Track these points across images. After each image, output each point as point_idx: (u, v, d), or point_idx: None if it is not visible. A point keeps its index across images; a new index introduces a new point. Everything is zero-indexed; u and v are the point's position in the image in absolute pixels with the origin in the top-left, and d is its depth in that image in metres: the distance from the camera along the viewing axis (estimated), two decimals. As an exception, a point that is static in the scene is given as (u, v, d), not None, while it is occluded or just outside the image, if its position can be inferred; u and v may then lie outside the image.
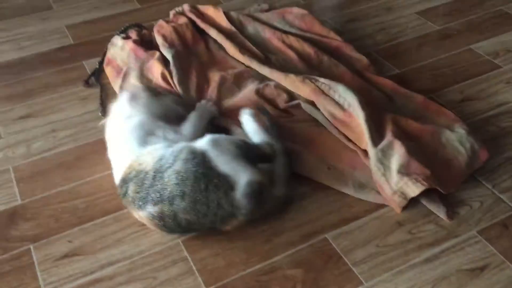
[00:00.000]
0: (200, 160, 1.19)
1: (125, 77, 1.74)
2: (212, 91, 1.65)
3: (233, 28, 1.90)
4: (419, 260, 1.22)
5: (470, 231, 1.28)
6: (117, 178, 1.29)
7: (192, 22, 1.94)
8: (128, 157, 1.27)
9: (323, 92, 1.56)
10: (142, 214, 1.22)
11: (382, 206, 1.34)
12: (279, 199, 1.30)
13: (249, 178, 1.19)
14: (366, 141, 1.42)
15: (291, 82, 1.62)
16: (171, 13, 2.03)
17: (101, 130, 1.47)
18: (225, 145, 1.24)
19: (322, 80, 1.58)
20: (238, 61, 1.78)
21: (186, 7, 2.01)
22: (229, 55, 1.81)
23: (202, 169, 1.18)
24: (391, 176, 1.31)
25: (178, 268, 1.22)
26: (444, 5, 2.18)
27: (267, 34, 1.90)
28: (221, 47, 1.85)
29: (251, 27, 1.93)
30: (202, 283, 1.19)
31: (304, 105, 1.58)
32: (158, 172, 1.20)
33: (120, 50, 1.85)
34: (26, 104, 1.74)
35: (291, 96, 1.63)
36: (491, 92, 1.70)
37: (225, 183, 1.18)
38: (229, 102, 1.63)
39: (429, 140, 1.44)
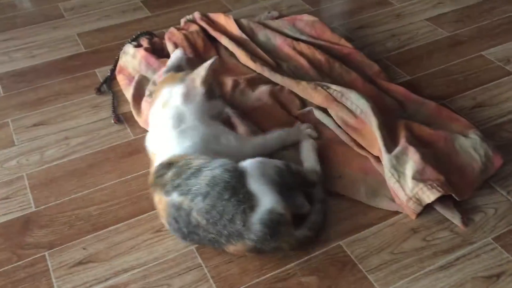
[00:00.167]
0: (237, 175, 1.19)
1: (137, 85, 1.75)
2: (225, 94, 1.66)
3: (244, 36, 1.91)
4: (434, 267, 1.21)
5: (485, 238, 1.27)
6: (161, 159, 1.30)
7: (203, 30, 1.95)
8: (181, 148, 1.29)
9: (335, 99, 1.56)
10: (165, 199, 1.22)
11: (396, 212, 1.34)
12: (297, 242, 1.22)
13: (273, 206, 1.17)
14: (378, 147, 1.41)
15: (303, 89, 1.62)
16: (182, 21, 2.04)
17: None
18: (266, 168, 1.24)
19: (334, 87, 1.58)
20: (249, 68, 1.78)
21: (197, 15, 2.02)
22: (241, 62, 1.82)
23: (234, 182, 1.18)
24: (406, 182, 1.31)
25: (192, 275, 1.22)
26: (454, 12, 2.19)
27: (278, 41, 1.90)
28: (232, 54, 1.86)
29: (262, 34, 1.94)
30: (217, 290, 1.19)
31: (316, 112, 1.58)
32: (199, 170, 1.21)
33: (132, 58, 1.86)
34: (39, 111, 1.75)
35: (304, 103, 1.63)
36: (503, 98, 1.70)
37: (248, 202, 1.16)
38: (242, 103, 1.63)
39: (442, 146, 1.43)
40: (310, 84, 1.61)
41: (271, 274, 1.21)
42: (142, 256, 1.27)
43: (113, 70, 1.89)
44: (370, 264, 1.22)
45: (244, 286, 1.19)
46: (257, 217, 1.16)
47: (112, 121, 1.68)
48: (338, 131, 1.52)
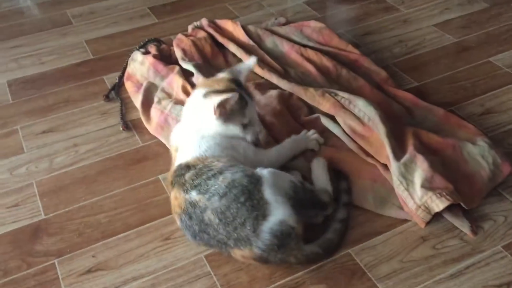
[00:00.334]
0: (254, 181, 1.21)
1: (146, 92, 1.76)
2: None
3: (251, 42, 1.92)
4: (444, 276, 1.21)
5: (495, 246, 1.27)
6: (180, 160, 1.31)
7: (211, 36, 1.95)
8: (201, 152, 1.30)
9: (343, 106, 1.56)
10: (182, 196, 1.23)
11: (405, 220, 1.34)
12: (305, 257, 1.21)
13: (285, 218, 1.18)
14: (386, 155, 1.41)
15: (311, 96, 1.62)
16: (190, 27, 2.05)
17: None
18: (282, 180, 1.25)
19: (341, 94, 1.58)
20: (257, 74, 1.79)
21: (204, 21, 2.03)
22: (249, 69, 1.82)
23: (251, 187, 1.19)
24: (415, 190, 1.30)
25: (202, 284, 1.22)
26: (461, 17, 2.18)
27: (285, 47, 1.91)
28: (240, 60, 1.86)
29: (270, 40, 1.94)
30: (226, 298, 1.19)
31: (323, 119, 1.58)
32: (220, 172, 1.22)
33: (140, 65, 1.87)
34: (48, 118, 1.76)
35: (312, 109, 1.63)
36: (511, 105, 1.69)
37: (261, 209, 1.17)
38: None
39: (450, 154, 1.43)
40: (318, 91, 1.62)
41: (280, 282, 1.21)
42: (151, 264, 1.27)
43: (121, 77, 1.90)
44: (380, 273, 1.22)
45: (253, 295, 1.20)
46: (268, 226, 1.16)
47: (121, 128, 1.69)
48: (345, 139, 1.52)
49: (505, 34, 2.05)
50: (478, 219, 1.33)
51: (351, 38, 2.09)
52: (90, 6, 2.44)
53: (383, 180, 1.41)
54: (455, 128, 1.55)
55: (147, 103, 1.72)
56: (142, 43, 1.99)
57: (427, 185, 1.30)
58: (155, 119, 1.65)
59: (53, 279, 1.26)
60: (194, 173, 1.25)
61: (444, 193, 1.28)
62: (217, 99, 1.29)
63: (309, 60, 1.84)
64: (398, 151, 1.41)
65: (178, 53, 1.87)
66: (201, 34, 1.97)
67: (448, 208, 1.29)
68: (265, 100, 1.65)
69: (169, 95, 1.73)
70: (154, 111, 1.67)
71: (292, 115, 1.63)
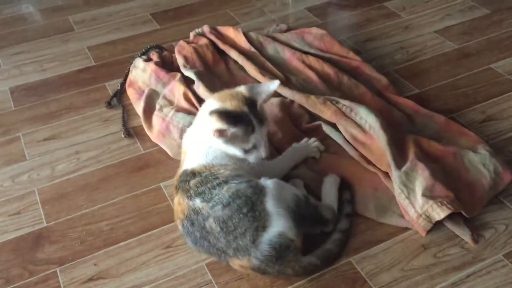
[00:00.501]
0: (258, 191, 1.21)
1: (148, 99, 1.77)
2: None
3: (252, 49, 1.92)
4: (445, 284, 1.21)
5: (496, 254, 1.27)
6: (186, 165, 1.31)
7: (213, 43, 1.96)
8: (208, 160, 1.29)
9: (344, 114, 1.56)
10: (186, 202, 1.23)
11: (406, 229, 1.34)
12: (303, 269, 1.21)
13: (284, 230, 1.18)
14: (387, 163, 1.41)
15: (312, 104, 1.63)
16: (191, 34, 2.05)
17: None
18: (285, 193, 1.24)
19: (343, 102, 1.59)
20: (259, 81, 1.79)
21: (206, 28, 2.03)
22: (250, 76, 1.83)
23: (254, 198, 1.20)
24: (416, 199, 1.31)
25: (203, 292, 1.23)
26: (462, 24, 2.19)
27: (287, 54, 1.91)
28: (241, 67, 1.87)
29: (271, 47, 1.95)
30: (227, 307, 1.19)
31: (325, 127, 1.58)
32: (225, 182, 1.22)
33: (142, 72, 1.87)
34: (50, 126, 1.77)
35: (313, 117, 1.64)
36: (513, 112, 1.70)
37: (262, 220, 1.18)
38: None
39: (451, 162, 1.43)
40: (320, 99, 1.62)
41: (282, 290, 1.22)
42: (153, 272, 1.28)
43: (123, 84, 1.91)
44: (381, 281, 1.22)
45: (254, 303, 1.20)
46: (267, 238, 1.17)
47: (122, 135, 1.69)
48: (346, 146, 1.53)
49: (506, 41, 2.05)
50: (479, 227, 1.33)
51: (352, 44, 2.09)
52: (92, 12, 2.45)
53: (385, 188, 1.41)
54: (456, 135, 1.56)
55: (149, 110, 1.73)
56: (144, 50, 1.99)
57: (428, 194, 1.30)
58: (157, 126, 1.66)
59: (55, 287, 1.26)
60: (199, 181, 1.25)
61: (445, 202, 1.28)
62: (216, 124, 1.25)
63: (310, 67, 1.84)
64: (399, 159, 1.41)
65: (179, 60, 1.88)
66: (203, 41, 1.97)
67: (449, 217, 1.29)
68: (267, 107, 1.65)
69: (170, 102, 1.74)
70: (156, 118, 1.67)
71: (294, 123, 1.64)
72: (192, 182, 1.25)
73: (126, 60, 2.03)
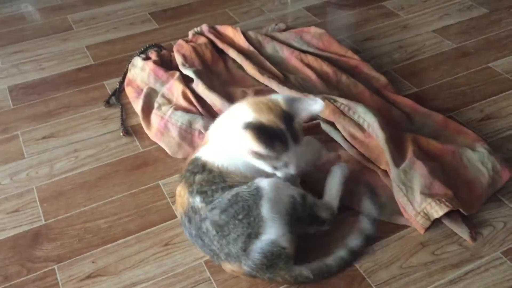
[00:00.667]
0: (255, 192, 1.18)
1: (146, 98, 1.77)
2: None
3: (251, 48, 1.92)
4: (444, 281, 1.21)
5: (495, 252, 1.27)
6: (202, 154, 1.28)
7: (211, 42, 1.96)
8: (224, 164, 1.25)
9: (342, 113, 1.57)
10: (187, 198, 1.22)
11: (404, 226, 1.34)
12: (293, 279, 1.19)
13: (277, 238, 1.17)
14: (386, 161, 1.42)
15: (310, 102, 1.62)
16: (190, 33, 2.05)
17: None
18: (282, 195, 1.21)
19: (341, 100, 1.59)
20: (257, 80, 1.79)
21: (204, 27, 2.04)
22: (249, 75, 1.83)
23: (251, 203, 1.17)
24: (414, 197, 1.31)
25: (201, 289, 1.23)
26: (460, 23, 2.19)
27: (285, 53, 1.91)
28: (240, 66, 1.87)
29: (270, 46, 1.95)
30: (226, 304, 1.19)
31: (324, 125, 1.58)
32: (230, 187, 1.21)
33: (141, 70, 1.87)
34: (48, 124, 1.77)
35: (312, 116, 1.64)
36: (511, 111, 1.69)
37: (255, 227, 1.16)
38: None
39: (450, 160, 1.43)
40: (318, 97, 1.62)
41: (280, 288, 1.22)
42: (151, 269, 1.28)
43: (121, 83, 1.91)
44: (379, 279, 1.22)
45: (252, 301, 1.20)
46: (259, 245, 1.16)
47: (121, 134, 1.69)
48: (345, 145, 1.53)
49: (504, 40, 2.06)
50: (478, 225, 1.33)
51: (351, 43, 2.09)
52: (91, 11, 2.45)
53: (383, 186, 1.41)
54: (454, 134, 1.56)
55: (147, 109, 1.73)
56: (142, 49, 1.99)
57: (427, 192, 1.30)
58: (155, 124, 1.66)
59: (53, 285, 1.26)
60: (205, 179, 1.23)
61: (443, 200, 1.28)
62: (251, 144, 1.18)
63: (309, 66, 1.84)
64: (398, 157, 1.41)
65: (178, 59, 1.88)
66: (202, 40, 1.97)
67: (447, 214, 1.29)
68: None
69: (169, 101, 1.74)
70: (154, 116, 1.67)
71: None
72: (198, 177, 1.23)
73: (125, 59, 2.03)
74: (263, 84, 1.77)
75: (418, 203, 1.29)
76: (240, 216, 1.16)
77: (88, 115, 1.80)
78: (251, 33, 2.00)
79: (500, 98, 1.75)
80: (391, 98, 1.72)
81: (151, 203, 1.45)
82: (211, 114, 1.67)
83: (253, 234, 1.16)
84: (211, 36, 1.98)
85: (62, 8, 2.50)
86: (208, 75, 1.82)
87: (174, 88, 1.76)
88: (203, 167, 1.25)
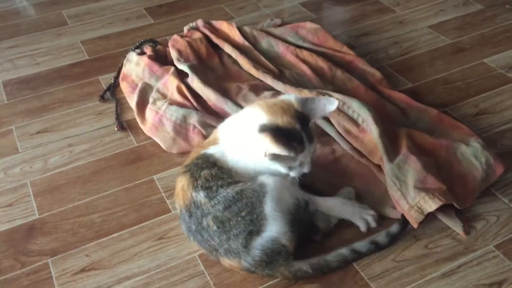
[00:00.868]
0: (258, 191, 1.19)
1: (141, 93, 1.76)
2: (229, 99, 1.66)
3: (246, 43, 1.92)
4: (436, 275, 1.21)
5: (487, 245, 1.27)
6: (212, 150, 1.27)
7: (206, 37, 1.96)
8: (235, 165, 1.25)
9: (337, 108, 1.56)
10: (190, 192, 1.22)
11: (398, 220, 1.34)
12: (293, 275, 1.19)
13: (278, 235, 1.17)
14: (380, 156, 1.42)
15: (305, 97, 1.62)
16: (185, 28, 2.05)
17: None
18: (286, 195, 1.22)
19: (336, 95, 1.59)
20: (252, 75, 1.79)
21: (200, 22, 2.03)
22: (244, 70, 1.83)
23: (255, 199, 1.18)
24: (408, 191, 1.31)
25: (195, 283, 1.23)
26: (456, 19, 2.19)
27: (280, 48, 1.91)
28: (235, 61, 1.87)
29: (265, 41, 1.95)
30: (219, 298, 1.20)
31: (318, 120, 1.58)
32: (236, 182, 1.21)
33: (135, 65, 1.87)
34: (43, 119, 1.76)
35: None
36: (505, 106, 1.70)
37: (257, 224, 1.17)
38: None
39: (444, 154, 1.44)
40: (312, 92, 1.62)
41: (274, 281, 1.22)
42: (145, 263, 1.28)
43: (116, 78, 1.90)
44: (372, 272, 1.22)
45: (246, 294, 1.20)
46: (259, 242, 1.16)
47: (116, 129, 1.69)
48: (339, 140, 1.53)
49: (499, 36, 2.06)
50: (471, 219, 1.33)
51: (346, 39, 2.09)
52: (86, 6, 2.44)
53: (377, 181, 1.41)
54: (449, 129, 1.56)
55: (142, 104, 1.73)
56: (137, 44, 1.99)
57: (420, 186, 1.31)
58: (150, 119, 1.66)
59: (46, 279, 1.26)
60: (212, 174, 1.22)
61: (437, 194, 1.28)
62: (269, 146, 1.17)
63: (304, 61, 1.84)
64: (392, 152, 1.41)
65: (173, 54, 1.87)
66: (197, 35, 1.97)
67: (440, 208, 1.29)
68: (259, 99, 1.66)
69: (164, 96, 1.74)
70: (149, 111, 1.67)
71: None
72: (204, 172, 1.23)
73: (120, 54, 2.02)
74: (258, 79, 1.77)
75: (411, 197, 1.29)
76: (243, 213, 1.17)
77: (83, 110, 1.80)
78: (247, 28, 2.00)
79: (495, 93, 1.76)
80: (386, 93, 1.73)
81: (145, 197, 1.45)
82: (206, 109, 1.67)
83: (255, 231, 1.17)
84: (206, 31, 1.98)
85: (57, 3, 2.49)
86: (203, 70, 1.82)
87: (169, 83, 1.75)
88: (211, 164, 1.25)
